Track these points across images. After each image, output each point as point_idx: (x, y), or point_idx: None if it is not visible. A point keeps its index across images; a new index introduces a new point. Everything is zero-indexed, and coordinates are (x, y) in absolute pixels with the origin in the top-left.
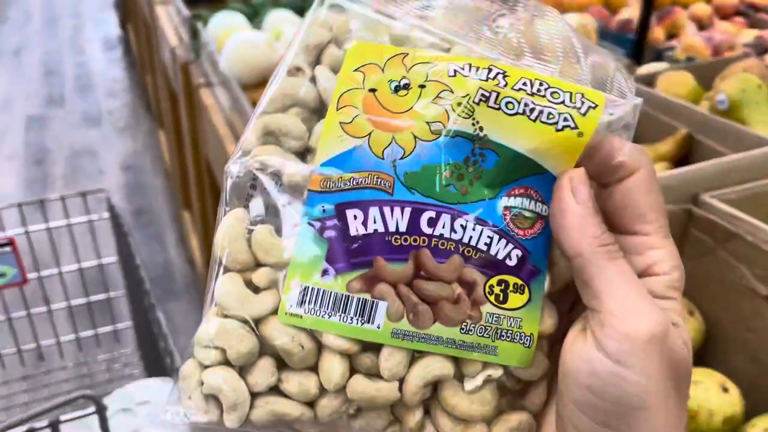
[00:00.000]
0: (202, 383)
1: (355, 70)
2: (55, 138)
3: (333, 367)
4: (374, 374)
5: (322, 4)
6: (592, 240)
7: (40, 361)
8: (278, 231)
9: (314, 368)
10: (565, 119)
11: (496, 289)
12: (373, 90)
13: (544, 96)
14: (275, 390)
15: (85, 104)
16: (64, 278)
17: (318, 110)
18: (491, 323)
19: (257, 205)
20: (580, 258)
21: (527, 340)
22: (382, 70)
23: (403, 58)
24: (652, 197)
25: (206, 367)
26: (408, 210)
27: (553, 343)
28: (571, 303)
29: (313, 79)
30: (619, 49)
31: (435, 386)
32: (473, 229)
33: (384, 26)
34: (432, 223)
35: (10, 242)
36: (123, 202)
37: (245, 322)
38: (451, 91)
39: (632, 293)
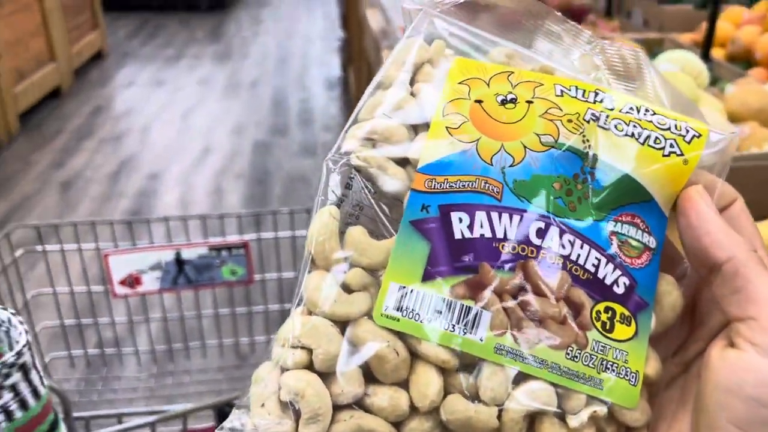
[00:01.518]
0: (280, 389)
1: (460, 83)
2: (276, 163)
3: (430, 381)
4: (470, 397)
5: (420, 26)
6: (743, 243)
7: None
8: (371, 233)
9: (403, 384)
10: (671, 145)
11: (603, 316)
12: (479, 101)
13: (650, 121)
14: (359, 405)
15: (304, 136)
16: (282, 283)
17: (416, 127)
18: (597, 352)
19: (350, 203)
20: (734, 261)
21: (633, 377)
22: (487, 84)
23: (508, 75)
24: (752, 222)
25: (285, 370)
26: (517, 217)
27: (653, 394)
28: (670, 351)
29: (411, 95)
30: None
31: (531, 423)
32: (581, 248)
33: (482, 53)
34: (541, 234)
35: (245, 245)
36: None
37: (335, 323)
38: (560, 109)
39: None
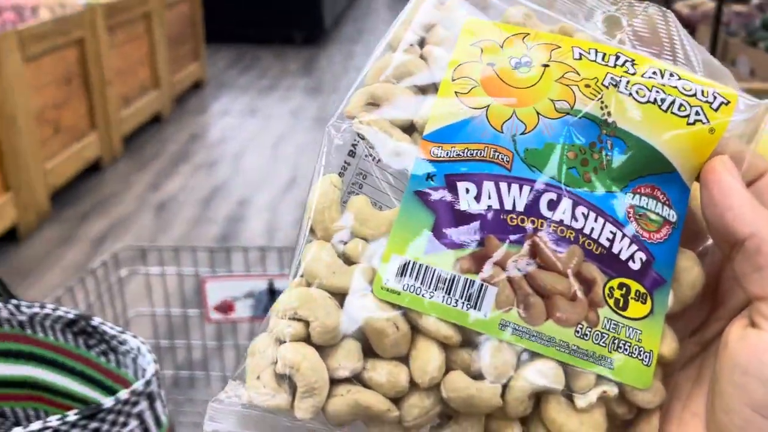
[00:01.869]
0: (275, 363)
1: (472, 45)
2: None
3: (430, 357)
4: (473, 375)
5: None
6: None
7: None
8: (375, 203)
9: (404, 360)
10: (697, 113)
11: (617, 293)
12: (491, 64)
13: (675, 87)
14: (357, 380)
15: None
16: None
17: (425, 89)
18: (609, 330)
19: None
20: (756, 238)
21: (646, 357)
22: (501, 46)
23: (524, 37)
24: None
25: (282, 342)
26: (527, 188)
27: (668, 375)
28: (689, 330)
29: (421, 57)
30: None
31: (536, 402)
32: (595, 221)
33: (498, 14)
34: (552, 206)
35: None
36: None
37: (333, 295)
38: (577, 73)
39: None
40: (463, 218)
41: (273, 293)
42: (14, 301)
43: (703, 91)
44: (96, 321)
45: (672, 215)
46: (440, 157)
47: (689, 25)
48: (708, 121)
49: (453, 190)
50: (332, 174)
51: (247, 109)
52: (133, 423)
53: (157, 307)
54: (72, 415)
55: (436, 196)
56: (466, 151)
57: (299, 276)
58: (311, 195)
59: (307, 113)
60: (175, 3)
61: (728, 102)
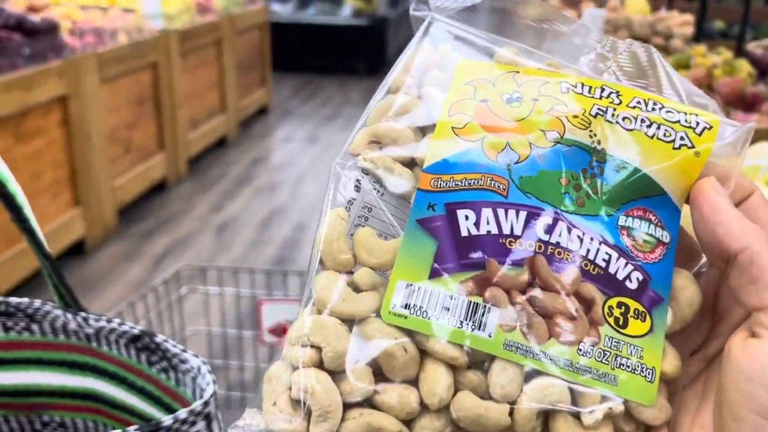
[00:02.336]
0: (290, 388)
1: (466, 83)
2: None
3: (439, 379)
4: (481, 395)
5: (427, 32)
6: (758, 231)
7: None
8: (380, 234)
9: (413, 382)
10: (682, 138)
11: (616, 312)
12: (484, 100)
13: (659, 115)
14: (369, 403)
15: None
16: None
17: (423, 128)
18: (610, 348)
19: (359, 205)
20: (749, 251)
21: (649, 373)
22: (493, 84)
23: (514, 75)
24: None
25: (296, 368)
26: (524, 213)
27: (673, 392)
28: (691, 348)
29: (419, 98)
30: None
31: (545, 420)
32: (590, 242)
33: (488, 55)
34: (549, 229)
35: None
36: None
37: (344, 322)
38: (565, 105)
39: None
40: (463, 243)
41: None
42: (83, 314)
43: (686, 118)
44: (159, 338)
45: (665, 236)
46: (440, 187)
47: (762, 66)
48: (693, 146)
49: (453, 217)
50: (339, 208)
51: (308, 136)
52: None
53: (214, 326)
54: (132, 431)
55: (437, 223)
56: (464, 180)
57: (310, 305)
58: (320, 228)
59: None
60: (246, 31)
61: (711, 127)
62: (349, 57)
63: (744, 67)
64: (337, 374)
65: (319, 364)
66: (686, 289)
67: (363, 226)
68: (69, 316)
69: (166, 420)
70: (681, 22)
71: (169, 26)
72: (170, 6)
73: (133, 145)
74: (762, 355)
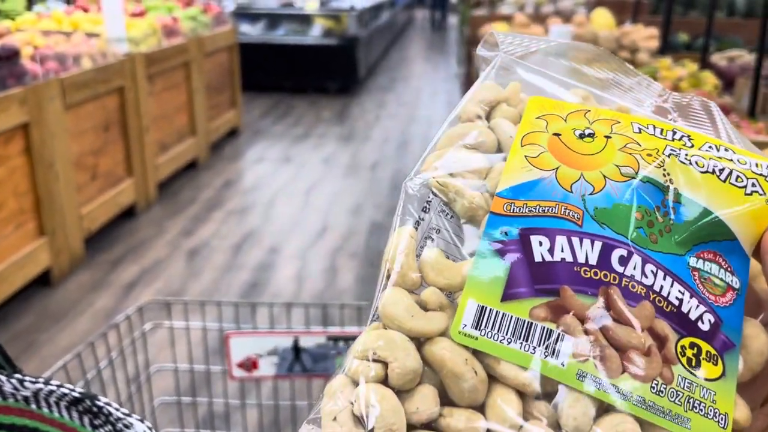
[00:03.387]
0: (352, 403)
1: (537, 117)
2: None
3: (509, 404)
4: (551, 426)
5: (494, 67)
6: None
7: None
8: (446, 256)
9: (478, 408)
10: (753, 184)
11: (689, 352)
12: (557, 134)
13: (731, 160)
14: (433, 426)
15: None
16: None
17: (492, 158)
18: (683, 389)
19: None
20: None
21: (722, 420)
22: (564, 120)
23: (585, 113)
24: None
25: (359, 384)
26: (599, 244)
27: None
28: (759, 400)
29: (488, 128)
30: None
31: None
32: (664, 279)
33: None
34: (623, 261)
35: None
36: None
37: (411, 339)
38: (638, 144)
39: None
40: (537, 269)
41: (298, 351)
42: (18, 376)
43: (757, 164)
44: (102, 401)
45: (735, 282)
46: (513, 212)
47: (727, 77)
48: (764, 193)
49: (527, 242)
50: (409, 226)
51: (281, 157)
52: None
53: (180, 362)
54: None
55: (510, 247)
56: (538, 207)
57: (377, 320)
58: (389, 244)
59: (339, 161)
60: (214, 52)
61: None
62: (320, 77)
63: (709, 79)
64: (402, 393)
65: (384, 380)
66: (757, 338)
67: (430, 246)
68: (2, 378)
69: None
70: (646, 36)
71: (135, 50)
72: (135, 29)
73: (100, 172)
74: None
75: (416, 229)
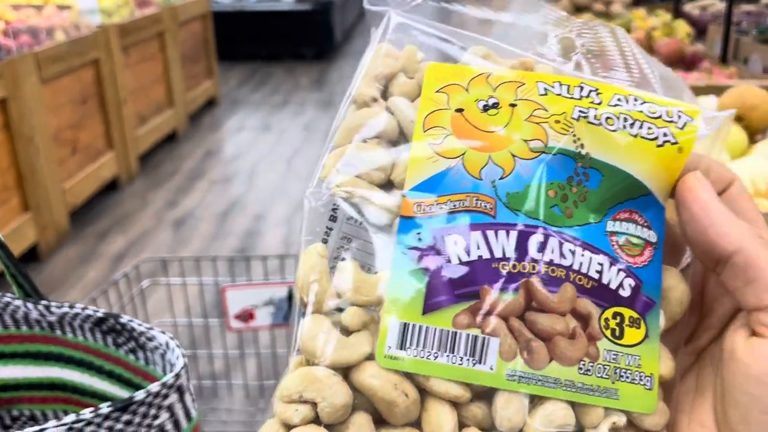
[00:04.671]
0: None
1: (437, 91)
2: None
3: (443, 420)
4: (486, 428)
5: (386, 33)
6: (750, 231)
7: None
8: (363, 266)
9: (416, 424)
10: (665, 134)
11: (612, 323)
12: (460, 110)
13: (641, 111)
14: None
15: None
16: None
17: (396, 142)
18: (609, 362)
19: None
20: (743, 253)
21: (648, 381)
22: (466, 90)
23: (487, 77)
24: (753, 203)
25: (292, 427)
26: (514, 233)
27: (669, 391)
28: (681, 341)
29: (388, 110)
30: None
31: None
32: (582, 255)
33: (454, 52)
34: (541, 247)
35: None
36: None
37: (336, 370)
38: (545, 110)
39: None
40: (455, 273)
41: (293, 300)
42: (44, 302)
43: (668, 112)
44: (124, 318)
45: (652, 236)
46: (424, 212)
47: (699, 26)
48: (676, 141)
49: (442, 245)
50: (317, 244)
51: (260, 125)
52: (164, 416)
53: (179, 318)
54: (105, 408)
55: (425, 253)
56: (449, 203)
57: (297, 355)
58: (299, 269)
59: (319, 127)
60: (188, 22)
61: (693, 119)
62: (296, 43)
63: (682, 27)
64: (335, 427)
65: (315, 420)
66: (676, 288)
67: (344, 258)
68: (30, 305)
69: (139, 394)
70: None
71: (108, 21)
72: (107, 0)
73: (80, 146)
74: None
75: (326, 241)
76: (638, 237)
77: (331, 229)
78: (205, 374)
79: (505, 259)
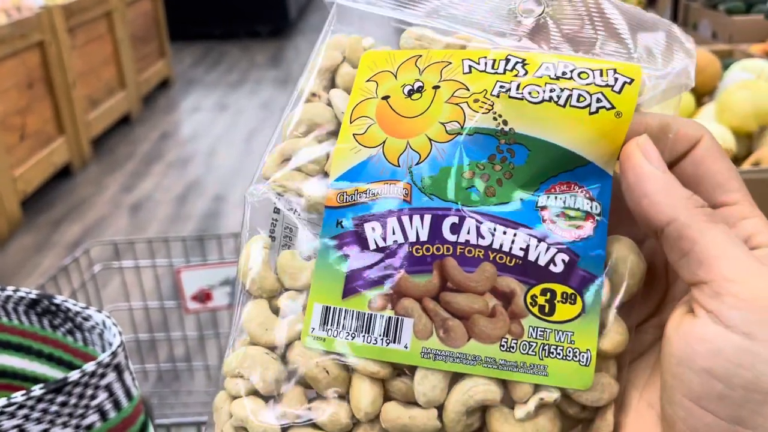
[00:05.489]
0: (231, 415)
1: (368, 80)
2: None
3: (362, 393)
4: (412, 401)
5: (335, 19)
6: (685, 201)
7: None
8: (302, 255)
9: (346, 396)
10: (598, 100)
11: (540, 300)
12: (386, 97)
13: (570, 78)
14: (307, 423)
15: None
16: None
17: (336, 133)
18: (536, 338)
19: (279, 229)
20: (675, 223)
21: (583, 357)
22: (395, 76)
23: (416, 60)
24: (726, 164)
25: (235, 398)
26: (428, 217)
27: (622, 366)
28: (642, 317)
29: (329, 103)
30: None
31: (484, 415)
32: (504, 233)
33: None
34: (455, 229)
35: None
36: None
37: (272, 348)
38: (467, 89)
39: (746, 255)
40: (373, 258)
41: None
42: None
43: (602, 74)
44: (59, 299)
45: (595, 207)
46: (346, 201)
47: None
48: (613, 106)
49: (361, 231)
50: (260, 235)
51: (217, 105)
52: (102, 395)
53: (134, 302)
54: (38, 390)
55: (346, 240)
56: (368, 191)
57: (244, 335)
58: (241, 258)
59: (277, 105)
60: (136, 1)
61: (632, 80)
62: (251, 20)
63: None
64: (273, 398)
65: (255, 392)
66: (626, 259)
67: (288, 246)
68: None
69: (73, 375)
70: None
71: (51, 2)
72: None
73: (29, 131)
74: (691, 336)
75: (273, 231)
76: (576, 209)
77: (276, 220)
78: (166, 358)
79: (419, 242)
